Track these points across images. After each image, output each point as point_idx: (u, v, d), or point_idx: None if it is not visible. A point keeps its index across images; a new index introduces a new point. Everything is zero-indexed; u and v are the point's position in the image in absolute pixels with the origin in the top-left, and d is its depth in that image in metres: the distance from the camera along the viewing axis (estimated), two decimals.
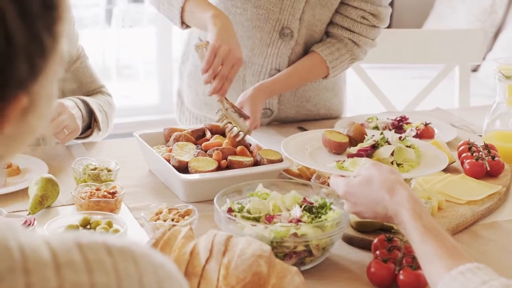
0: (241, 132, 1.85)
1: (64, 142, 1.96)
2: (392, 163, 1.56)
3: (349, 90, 3.20)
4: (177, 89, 2.42)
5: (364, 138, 1.66)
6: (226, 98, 1.89)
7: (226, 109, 1.87)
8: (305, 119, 2.28)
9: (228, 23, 1.90)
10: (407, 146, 1.60)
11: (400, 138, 1.62)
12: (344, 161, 1.58)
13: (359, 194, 1.36)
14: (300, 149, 1.67)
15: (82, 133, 2.02)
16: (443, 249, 1.21)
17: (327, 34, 2.19)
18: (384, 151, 1.57)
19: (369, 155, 1.57)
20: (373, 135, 1.64)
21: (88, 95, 2.14)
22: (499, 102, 2.00)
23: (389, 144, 1.59)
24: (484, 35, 2.70)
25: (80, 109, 1.98)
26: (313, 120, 2.29)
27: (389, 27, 4.99)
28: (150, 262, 0.71)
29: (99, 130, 2.05)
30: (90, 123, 2.05)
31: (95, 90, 2.17)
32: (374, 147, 1.59)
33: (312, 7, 2.10)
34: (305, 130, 2.17)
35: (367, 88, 2.77)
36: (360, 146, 1.61)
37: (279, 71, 2.16)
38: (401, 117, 2.19)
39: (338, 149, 1.65)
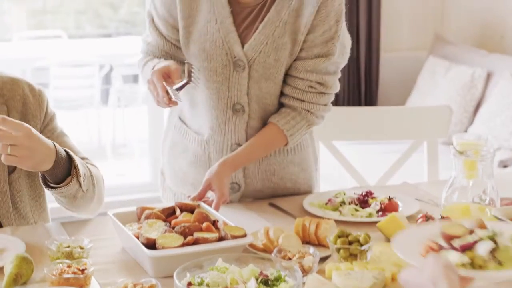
0: None
1: (6, 162, 1.87)
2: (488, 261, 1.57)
3: (328, 165, 3.30)
4: (161, 166, 2.53)
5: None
6: None
7: None
8: (274, 194, 2.38)
9: None
10: None
11: None
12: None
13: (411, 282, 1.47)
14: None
15: (61, 181, 2.00)
16: None
17: (282, 105, 2.31)
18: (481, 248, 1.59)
19: (467, 250, 1.59)
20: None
21: None
22: (455, 177, 2.10)
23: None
24: (450, 112, 2.82)
25: (55, 145, 1.95)
26: (282, 195, 2.39)
27: (374, 104, 5.13)
28: None
29: (79, 181, 1.99)
30: (70, 170, 2.00)
31: None
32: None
33: (256, 81, 2.24)
34: (277, 206, 2.27)
35: (340, 165, 2.87)
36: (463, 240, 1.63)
37: (239, 145, 2.28)
38: (366, 192, 2.29)
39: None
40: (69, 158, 2.01)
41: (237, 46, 2.21)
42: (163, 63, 2.16)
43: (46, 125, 2.21)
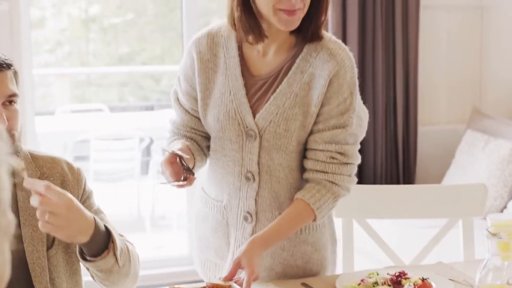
0: None
1: (43, 229, 1.88)
2: None
3: (363, 242, 3.27)
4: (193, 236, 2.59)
5: None
6: None
7: None
8: (285, 273, 2.36)
9: None
10: None
11: None
12: None
13: None
14: None
15: (98, 255, 1.99)
16: None
17: (306, 180, 2.32)
18: None
19: None
20: None
21: None
22: (489, 258, 2.07)
23: None
24: (485, 189, 2.80)
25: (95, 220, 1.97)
26: (294, 274, 2.36)
27: (412, 178, 5.10)
28: None
29: (116, 255, 1.99)
30: (107, 244, 2.01)
31: None
32: None
33: (267, 151, 2.28)
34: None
35: (374, 242, 2.85)
36: None
37: (249, 214, 2.32)
38: (400, 272, 2.27)
39: None
40: (108, 232, 2.02)
41: (249, 117, 2.28)
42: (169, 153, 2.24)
43: (83, 202, 2.24)
